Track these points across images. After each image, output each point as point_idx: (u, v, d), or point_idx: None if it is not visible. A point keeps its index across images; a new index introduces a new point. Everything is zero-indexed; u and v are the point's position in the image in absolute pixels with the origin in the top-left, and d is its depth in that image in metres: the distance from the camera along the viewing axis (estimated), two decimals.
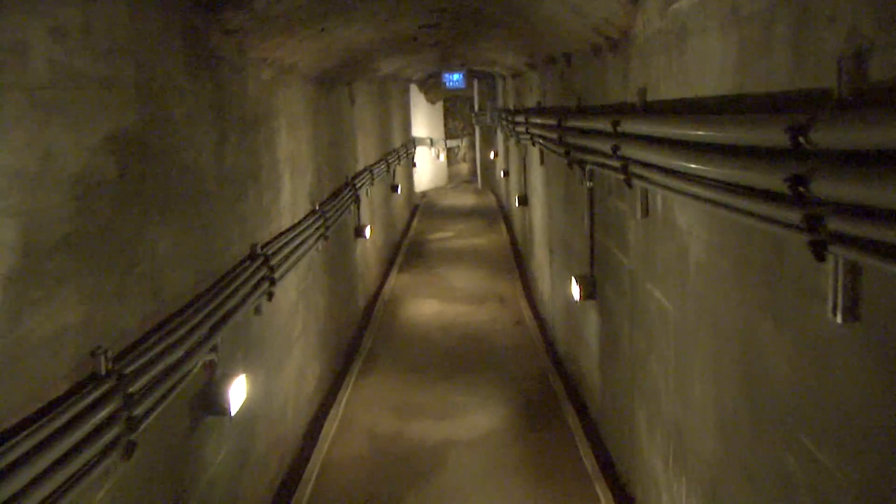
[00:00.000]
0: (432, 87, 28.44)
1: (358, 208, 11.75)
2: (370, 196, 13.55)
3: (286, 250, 6.56)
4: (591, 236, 7.23)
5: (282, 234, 6.76)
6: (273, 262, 6.02)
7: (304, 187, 8.07)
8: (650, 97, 4.96)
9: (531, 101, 11.51)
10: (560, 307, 9.54)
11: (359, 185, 11.59)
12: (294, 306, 7.40)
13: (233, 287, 5.06)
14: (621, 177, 5.21)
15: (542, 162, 10.46)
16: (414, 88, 27.03)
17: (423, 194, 26.59)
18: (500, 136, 22.93)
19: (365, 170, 13.00)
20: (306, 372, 7.90)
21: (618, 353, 6.40)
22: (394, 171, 17.28)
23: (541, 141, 9.56)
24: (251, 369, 5.75)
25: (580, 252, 7.87)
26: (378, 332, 11.16)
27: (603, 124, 5.58)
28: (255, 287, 5.59)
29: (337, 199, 9.68)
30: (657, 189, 4.57)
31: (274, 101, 6.79)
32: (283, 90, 7.13)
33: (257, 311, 5.90)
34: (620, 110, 5.52)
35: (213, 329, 4.63)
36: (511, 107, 16.01)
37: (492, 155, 25.21)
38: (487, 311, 11.93)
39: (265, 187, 6.33)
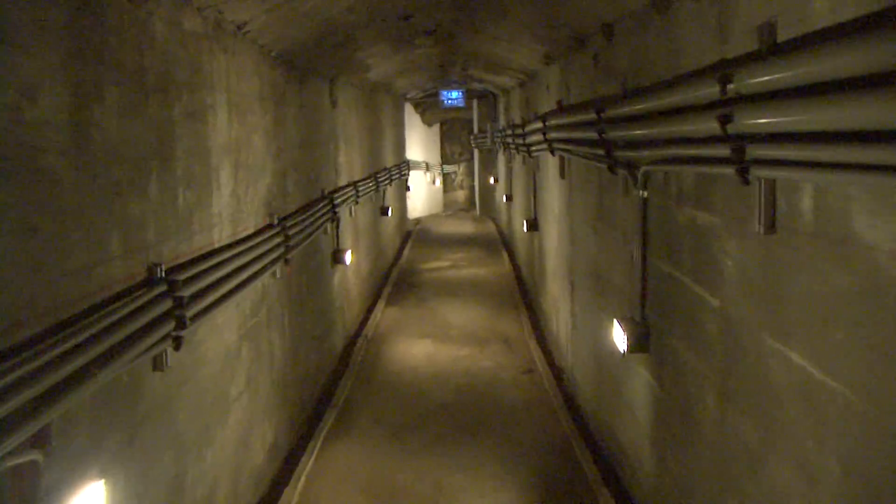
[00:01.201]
0: (429, 107, 26.71)
1: (337, 229, 9.79)
2: (354, 216, 11.61)
3: (215, 275, 4.57)
4: (644, 264, 5.27)
5: (212, 252, 4.78)
6: (186, 292, 4.02)
7: (258, 193, 6.12)
8: (784, 35, 3.04)
9: (548, 105, 9.62)
10: (586, 355, 7.55)
11: (339, 200, 9.65)
12: (233, 354, 5.40)
13: (95, 330, 3.07)
14: (727, 170, 3.28)
15: (562, 175, 8.53)
16: (410, 109, 25.28)
17: (418, 221, 24.69)
18: (500, 160, 21.12)
19: (349, 185, 11.08)
20: (252, 440, 5.87)
21: (692, 433, 4.40)
22: (384, 192, 15.36)
23: (563, 147, 7.64)
24: (142, 456, 3.74)
25: (622, 285, 5.90)
26: (357, 380, 9.13)
27: (689, 94, 3.68)
28: (148, 330, 3.60)
29: (308, 213, 7.74)
30: (816, 177, 2.64)
31: (207, 67, 4.86)
32: (224, 56, 5.20)
33: (158, 365, 3.90)
34: (724, 65, 3.60)
35: (38, 406, 2.65)
36: (519, 120, 14.17)
37: (491, 180, 23.40)
38: (490, 354, 9.92)
39: (183, 182, 4.37)
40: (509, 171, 17.60)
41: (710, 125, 3.35)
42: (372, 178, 13.65)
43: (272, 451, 6.41)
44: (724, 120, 3.18)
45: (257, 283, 5.87)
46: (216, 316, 4.79)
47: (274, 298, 6.59)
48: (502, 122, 19.99)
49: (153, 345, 3.63)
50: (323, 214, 8.64)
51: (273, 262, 6.25)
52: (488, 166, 24.59)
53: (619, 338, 5.40)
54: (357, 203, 11.59)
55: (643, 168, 5.02)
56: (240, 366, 5.52)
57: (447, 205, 29.99)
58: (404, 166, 19.95)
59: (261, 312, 6.11)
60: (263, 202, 6.27)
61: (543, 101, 10.14)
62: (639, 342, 5.29)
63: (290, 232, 6.71)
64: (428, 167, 27.04)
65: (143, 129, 3.82)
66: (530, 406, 8.06)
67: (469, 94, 24.15)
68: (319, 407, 8.12)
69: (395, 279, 15.00)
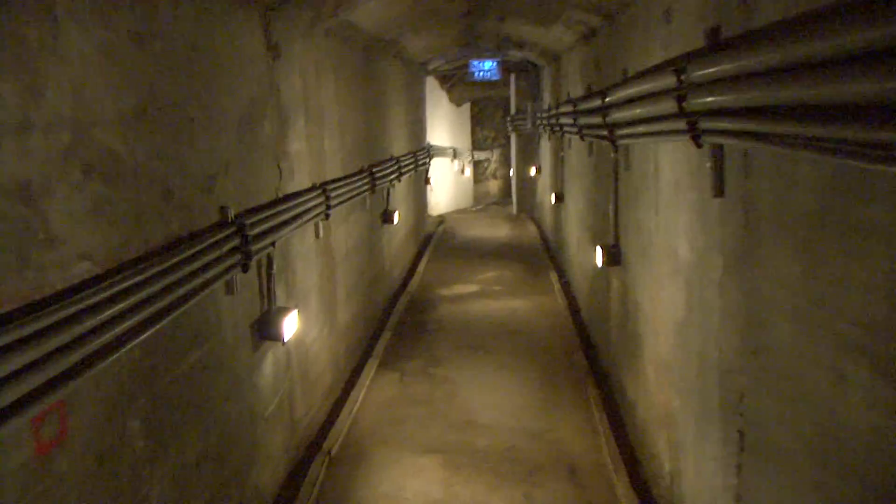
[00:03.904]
0: (457, 83, 22.18)
1: (269, 281, 5.40)
2: (324, 238, 7.24)
3: None
4: None
5: None
6: None
7: None
8: None
9: (661, 51, 5.11)
10: None
11: (267, 228, 5.24)
12: None
13: None
14: None
15: (718, 190, 3.93)
16: (434, 85, 20.83)
17: (441, 220, 20.23)
18: (545, 148, 16.59)
19: (312, 190, 6.73)
20: None
21: None
22: (387, 193, 10.95)
23: (747, 128, 3.11)
24: None
25: None
26: None
27: None
28: None
29: (143, 278, 3.35)
30: None
31: None
32: None
33: None
34: None
35: None
36: (581, 91, 9.63)
37: (532, 171, 18.88)
38: None
39: None
40: (559, 162, 13.08)
41: None
42: (366, 175, 9.25)
43: None
44: None
45: None
46: None
47: None
48: (548, 100, 15.47)
49: None
50: (213, 266, 4.22)
51: None
52: (528, 154, 20.05)
53: None
54: (327, 218, 7.19)
55: None
56: None
57: (478, 198, 25.52)
58: (423, 154, 15.49)
59: None
60: None
61: (650, 47, 5.59)
62: None
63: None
64: (455, 154, 22.57)
65: None
66: None
67: (505, 67, 19.56)
68: None
69: (400, 317, 10.55)
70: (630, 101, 5.38)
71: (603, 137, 7.06)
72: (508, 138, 22.71)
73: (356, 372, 8.33)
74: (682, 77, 3.84)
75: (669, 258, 5.08)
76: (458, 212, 23.01)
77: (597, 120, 6.87)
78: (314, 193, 6.76)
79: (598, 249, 7.25)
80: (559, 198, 13.09)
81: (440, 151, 20.31)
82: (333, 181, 7.57)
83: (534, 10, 9.72)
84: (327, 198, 7.09)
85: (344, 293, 8.30)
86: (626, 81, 5.74)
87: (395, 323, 10.15)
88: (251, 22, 5.35)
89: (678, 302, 4.86)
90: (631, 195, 6.46)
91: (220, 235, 4.33)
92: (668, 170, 5.05)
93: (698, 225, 4.35)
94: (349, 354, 8.43)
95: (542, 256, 14.52)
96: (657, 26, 5.25)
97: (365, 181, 9.17)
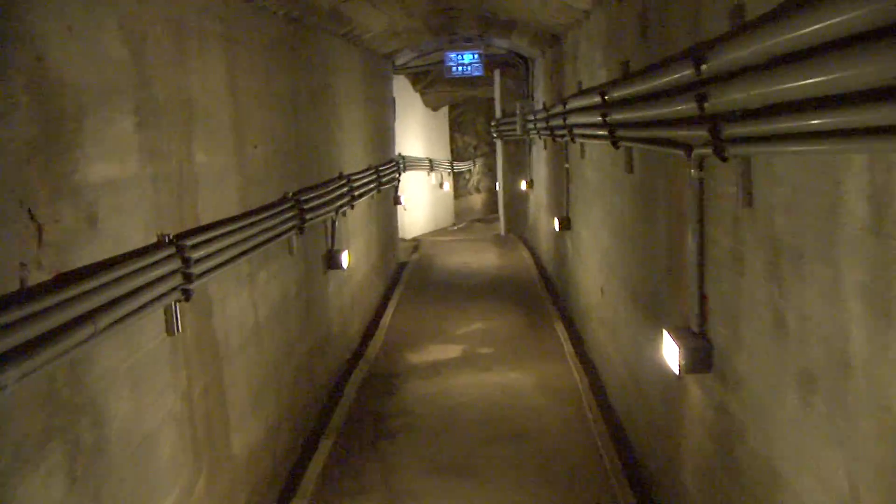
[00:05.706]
0: (432, 83, 19.02)
1: None
2: (201, 324, 4.02)
3: None
4: None
5: None
6: None
7: None
8: None
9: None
10: None
11: None
12: None
13: None
14: None
15: None
16: (404, 84, 17.75)
17: (416, 245, 17.04)
18: (538, 156, 13.52)
19: (157, 250, 3.55)
20: None
21: None
22: (332, 226, 7.78)
23: None
24: None
25: None
26: None
27: None
28: None
29: None
30: None
31: None
32: None
33: None
34: None
35: None
36: (603, 77, 6.53)
37: (523, 185, 15.74)
38: None
39: None
40: (564, 176, 9.95)
41: None
42: (289, 205, 6.11)
43: None
44: None
45: None
46: None
47: None
48: (543, 98, 12.41)
49: None
50: None
51: None
52: (518, 164, 16.92)
53: None
54: (186, 298, 3.99)
55: None
56: None
57: (459, 214, 22.44)
58: (390, 168, 12.33)
59: None
60: None
61: None
62: None
63: None
64: (432, 166, 19.51)
65: None
66: None
67: (489, 62, 16.45)
68: None
69: (350, 407, 7.29)
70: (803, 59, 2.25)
71: (674, 144, 3.94)
72: (493, 146, 19.65)
73: None
74: None
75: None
76: (437, 232, 19.89)
77: (675, 108, 3.73)
78: (157, 257, 3.59)
79: (671, 342, 4.09)
80: (565, 224, 9.96)
81: (414, 163, 17.24)
82: (208, 227, 4.38)
83: None
84: (186, 262, 3.90)
85: (248, 400, 5.10)
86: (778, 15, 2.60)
87: (341, 420, 6.93)
88: None
89: None
90: (754, 257, 3.30)
91: None
92: None
93: None
94: None
95: (541, 297, 11.35)
96: None
97: (287, 215, 6.02)
